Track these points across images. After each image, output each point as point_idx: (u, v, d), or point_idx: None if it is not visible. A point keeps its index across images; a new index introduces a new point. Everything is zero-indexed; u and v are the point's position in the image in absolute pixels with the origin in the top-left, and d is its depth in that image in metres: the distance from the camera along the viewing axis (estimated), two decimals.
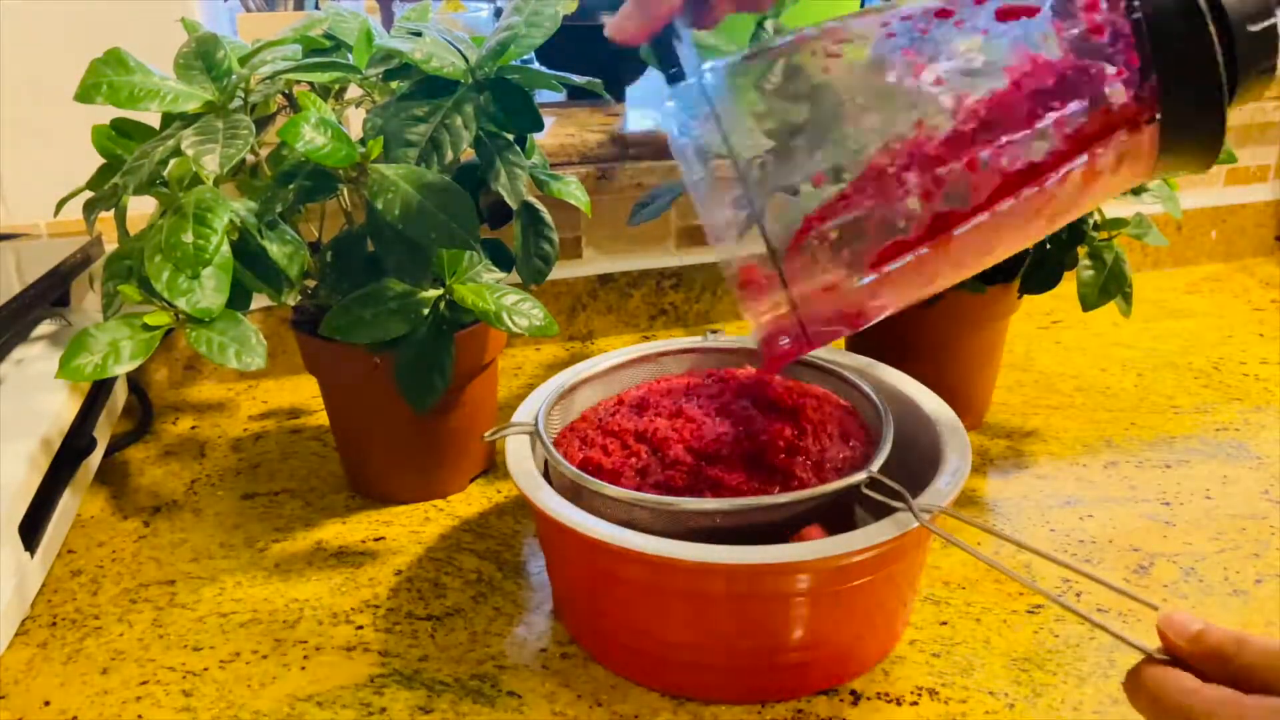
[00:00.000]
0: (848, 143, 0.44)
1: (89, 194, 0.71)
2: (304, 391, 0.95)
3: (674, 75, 0.50)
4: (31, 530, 0.66)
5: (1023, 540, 0.53)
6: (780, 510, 0.57)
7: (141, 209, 0.84)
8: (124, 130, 0.70)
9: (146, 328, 0.61)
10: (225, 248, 0.60)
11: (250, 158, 0.69)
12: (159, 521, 0.76)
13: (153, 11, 0.84)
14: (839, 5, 0.98)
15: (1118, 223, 0.75)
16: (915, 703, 0.57)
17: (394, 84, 0.68)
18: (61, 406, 0.73)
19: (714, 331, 0.73)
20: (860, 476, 0.57)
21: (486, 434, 0.64)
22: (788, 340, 0.49)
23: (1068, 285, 0.76)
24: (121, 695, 0.60)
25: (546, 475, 0.61)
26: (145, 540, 0.74)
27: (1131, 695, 0.44)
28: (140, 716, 0.58)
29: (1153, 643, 0.44)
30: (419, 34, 0.68)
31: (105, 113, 0.65)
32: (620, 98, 1.07)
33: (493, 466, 0.81)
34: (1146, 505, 0.75)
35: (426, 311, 0.67)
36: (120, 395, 0.86)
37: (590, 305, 1.03)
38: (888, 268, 0.45)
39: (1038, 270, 0.76)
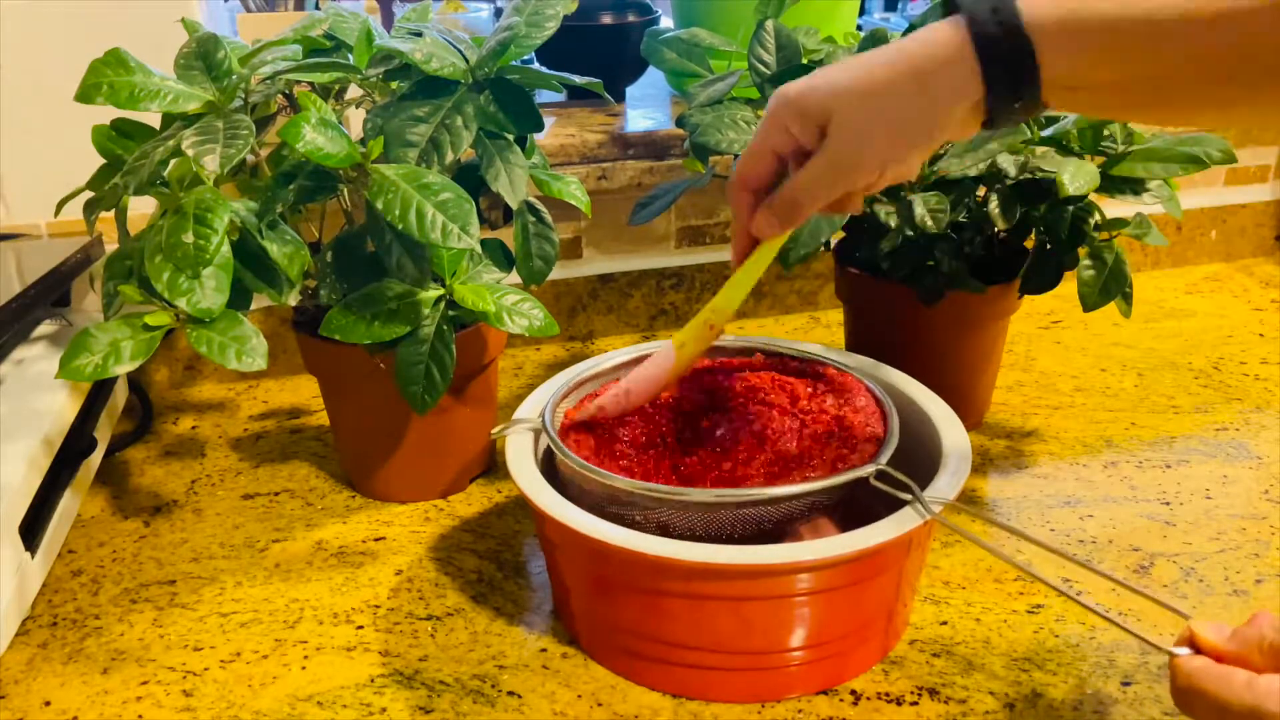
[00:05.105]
0: None
1: (89, 194, 0.71)
2: (304, 391, 0.95)
3: None
4: (32, 530, 0.66)
5: (1029, 534, 0.53)
6: (790, 503, 0.57)
7: (142, 209, 0.84)
8: (124, 130, 0.70)
9: (147, 328, 0.61)
10: (225, 248, 0.60)
11: (250, 158, 0.69)
12: (159, 521, 0.76)
13: (153, 11, 0.84)
14: (839, 5, 0.98)
15: (1118, 223, 0.75)
16: (915, 703, 0.57)
17: (394, 84, 0.68)
18: (62, 406, 0.73)
19: None
20: (869, 469, 0.57)
21: (493, 431, 0.64)
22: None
23: (1068, 285, 0.76)
24: (121, 695, 0.60)
25: (548, 473, 0.61)
26: (145, 540, 0.74)
27: (1184, 699, 0.46)
28: (140, 716, 0.58)
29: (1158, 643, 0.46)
30: (419, 34, 0.68)
31: (105, 113, 0.65)
32: (620, 98, 1.07)
33: (493, 466, 0.81)
34: (1146, 505, 0.75)
35: (426, 311, 0.67)
36: (121, 395, 0.86)
37: (590, 305, 1.03)
38: None
39: (1038, 270, 0.76)
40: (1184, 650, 0.46)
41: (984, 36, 0.46)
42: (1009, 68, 0.46)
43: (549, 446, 0.64)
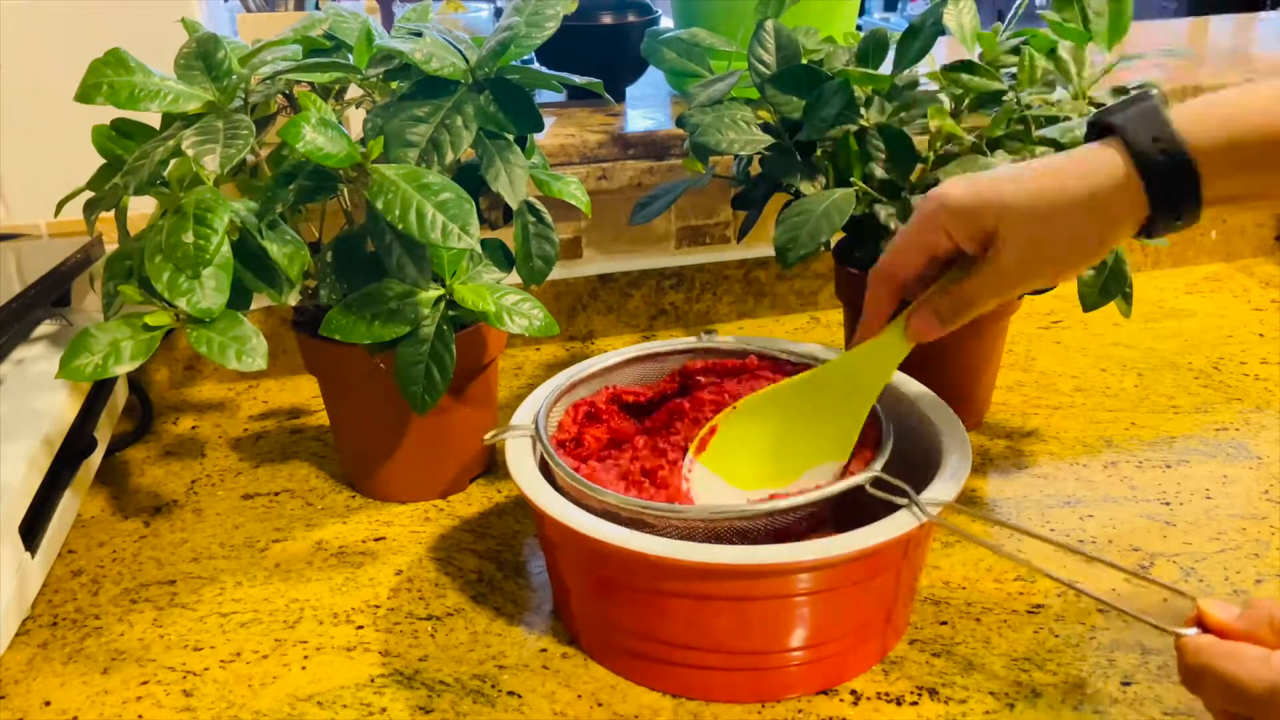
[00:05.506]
0: None
1: (89, 194, 0.71)
2: (304, 391, 0.95)
3: None
4: (32, 530, 0.66)
5: (1028, 528, 0.53)
6: (785, 515, 0.57)
7: (142, 209, 0.84)
8: (124, 130, 0.70)
9: (147, 328, 0.61)
10: (225, 248, 0.60)
11: (250, 158, 0.69)
12: (159, 521, 0.76)
13: (153, 11, 0.84)
14: (839, 5, 0.98)
15: None
16: (915, 703, 0.57)
17: (394, 84, 0.68)
18: (62, 406, 0.73)
19: (708, 332, 0.73)
20: (864, 476, 0.57)
21: (486, 437, 0.64)
22: None
23: (1068, 285, 0.76)
24: (121, 695, 0.60)
25: (546, 473, 0.61)
26: (145, 540, 0.74)
27: (1193, 677, 0.45)
28: (140, 716, 0.58)
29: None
30: (419, 34, 0.68)
31: (105, 113, 0.65)
32: (620, 98, 1.07)
33: (493, 466, 0.81)
34: (1146, 505, 0.75)
35: (426, 311, 0.67)
36: (121, 395, 0.86)
37: (590, 305, 1.03)
38: None
39: None
40: (1192, 631, 0.46)
41: (1149, 167, 0.47)
42: (1175, 194, 0.47)
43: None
